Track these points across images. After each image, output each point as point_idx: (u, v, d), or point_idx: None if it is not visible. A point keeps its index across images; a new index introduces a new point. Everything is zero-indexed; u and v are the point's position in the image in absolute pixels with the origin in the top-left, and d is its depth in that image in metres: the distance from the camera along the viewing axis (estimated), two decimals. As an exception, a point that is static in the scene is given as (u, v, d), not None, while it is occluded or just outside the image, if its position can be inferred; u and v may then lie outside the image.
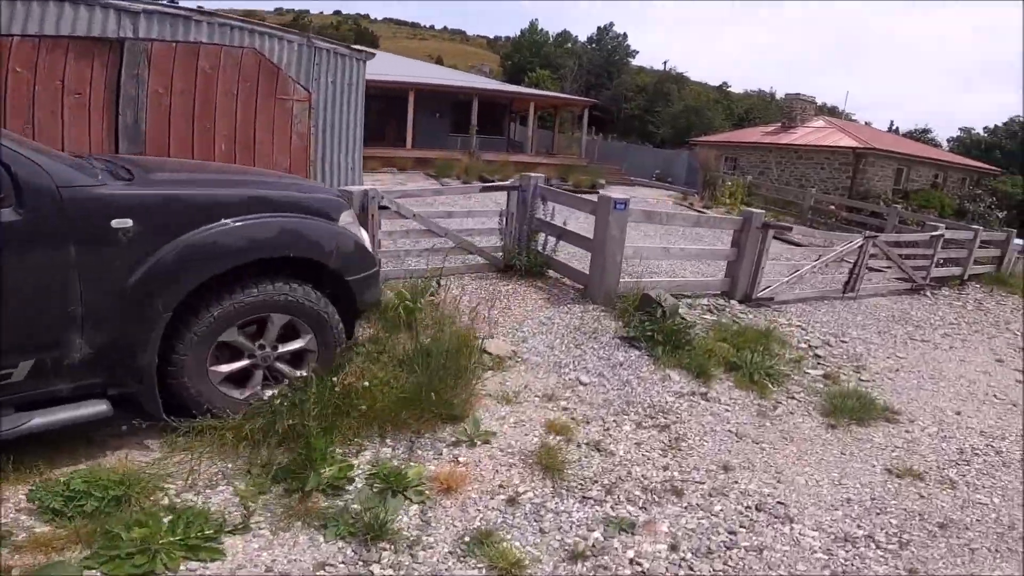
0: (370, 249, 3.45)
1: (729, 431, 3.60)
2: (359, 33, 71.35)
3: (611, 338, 4.74)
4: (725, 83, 63.50)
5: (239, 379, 2.97)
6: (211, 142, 5.67)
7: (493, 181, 12.23)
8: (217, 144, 5.71)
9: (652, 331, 4.67)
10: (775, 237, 9.34)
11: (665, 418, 3.66)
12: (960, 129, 48.93)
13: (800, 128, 22.83)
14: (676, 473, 3.07)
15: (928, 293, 8.24)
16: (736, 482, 3.03)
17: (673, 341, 4.60)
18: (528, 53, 56.15)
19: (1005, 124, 43.03)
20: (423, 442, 3.09)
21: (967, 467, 3.51)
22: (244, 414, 2.80)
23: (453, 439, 3.13)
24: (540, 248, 6.32)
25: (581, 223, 5.78)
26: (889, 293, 7.96)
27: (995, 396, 4.81)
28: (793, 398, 4.23)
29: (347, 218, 3.23)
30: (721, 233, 9.07)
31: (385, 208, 5.74)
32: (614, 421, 3.55)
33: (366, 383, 3.20)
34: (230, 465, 2.61)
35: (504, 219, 6.37)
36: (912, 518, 2.86)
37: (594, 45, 55.21)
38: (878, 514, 2.85)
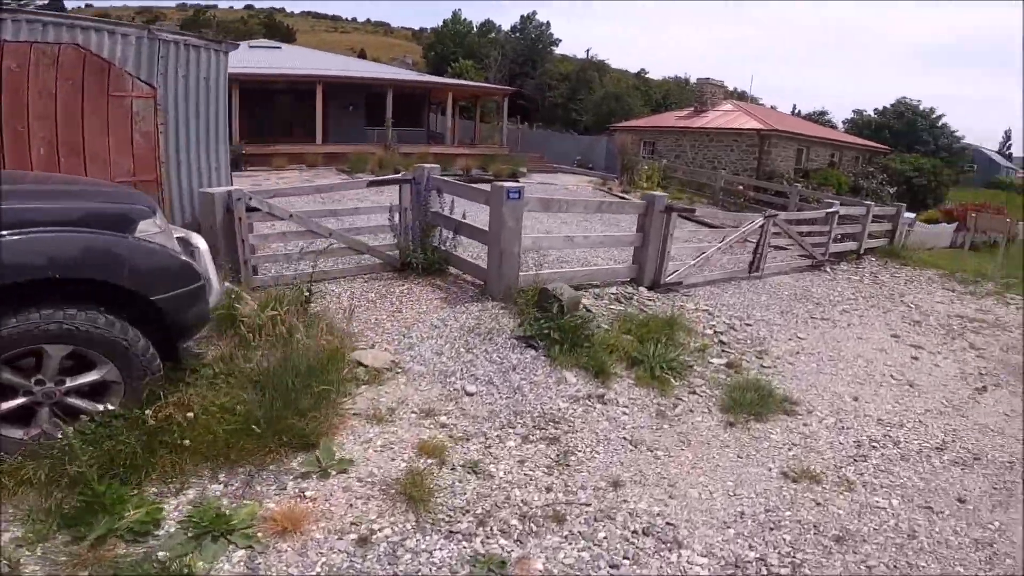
0: (194, 260, 2.90)
1: (624, 438, 3.30)
2: (271, 27, 67.23)
3: (507, 339, 4.37)
4: (643, 70, 64.91)
5: (21, 418, 2.52)
6: (26, 147, 4.84)
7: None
8: (34, 149, 4.88)
9: (548, 329, 4.33)
10: (688, 219, 9.32)
11: (556, 428, 3.31)
12: (853, 111, 52.20)
13: (711, 112, 23.41)
14: (561, 495, 2.72)
15: (828, 269, 8.44)
16: (625, 501, 2.71)
17: (571, 339, 4.28)
18: (451, 44, 54.87)
19: (893, 105, 46.13)
20: (265, 476, 2.65)
21: (865, 463, 3.34)
22: (27, 456, 2.41)
23: (303, 470, 2.71)
24: (438, 244, 5.86)
25: (484, 216, 5.35)
26: (792, 271, 8.07)
27: (892, 377, 4.79)
28: (695, 392, 4.01)
29: (149, 227, 2.68)
30: (629, 218, 8.93)
31: (256, 210, 5.12)
32: (497, 436, 3.17)
33: (190, 413, 2.71)
34: (11, 511, 2.26)
35: (396, 214, 5.86)
36: (807, 532, 2.63)
37: (517, 34, 54.71)
38: (772, 530, 2.61)
